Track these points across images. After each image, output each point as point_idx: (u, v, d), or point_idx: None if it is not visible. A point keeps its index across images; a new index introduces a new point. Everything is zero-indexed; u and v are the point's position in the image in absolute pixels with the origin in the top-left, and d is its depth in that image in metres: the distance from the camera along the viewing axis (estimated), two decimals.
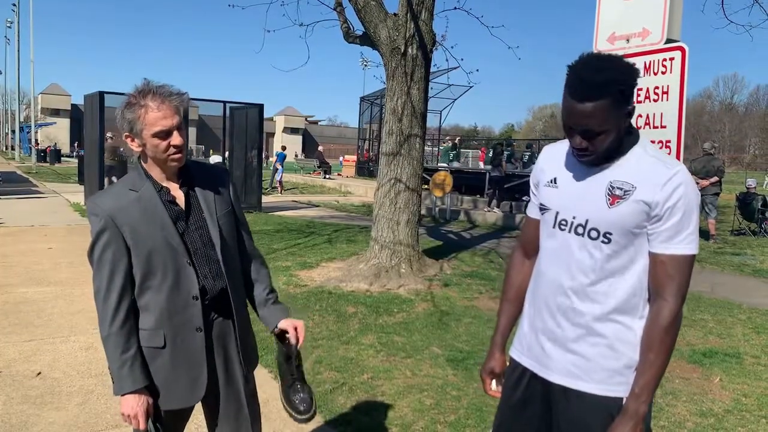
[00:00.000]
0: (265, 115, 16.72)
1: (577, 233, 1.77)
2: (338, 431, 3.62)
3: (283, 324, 2.22)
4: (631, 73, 1.64)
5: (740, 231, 13.33)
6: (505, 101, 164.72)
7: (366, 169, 28.93)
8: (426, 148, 22.23)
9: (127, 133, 1.97)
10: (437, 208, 15.56)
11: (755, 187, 13.78)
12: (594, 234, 1.74)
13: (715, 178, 12.08)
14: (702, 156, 12.57)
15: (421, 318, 6.00)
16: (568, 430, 1.81)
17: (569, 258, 1.78)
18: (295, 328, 2.23)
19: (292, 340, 2.21)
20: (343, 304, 6.39)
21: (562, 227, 1.80)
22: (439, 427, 3.69)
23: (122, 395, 1.98)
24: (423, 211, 14.67)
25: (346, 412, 3.85)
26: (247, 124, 15.07)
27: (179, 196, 2.06)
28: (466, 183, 18.29)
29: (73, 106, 55.32)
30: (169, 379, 2.05)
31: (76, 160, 26.01)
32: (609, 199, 1.70)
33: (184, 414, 2.18)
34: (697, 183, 12.11)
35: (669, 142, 2.17)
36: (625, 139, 1.71)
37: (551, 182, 1.86)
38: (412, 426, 3.69)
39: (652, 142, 2.34)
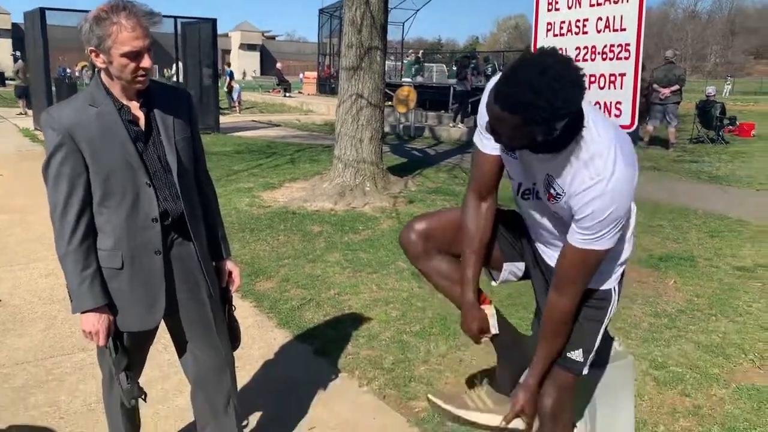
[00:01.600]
0: (220, 31, 16.03)
1: (539, 198, 1.81)
2: (306, 344, 3.68)
3: (225, 266, 2.30)
4: (559, 106, 1.47)
5: (699, 139, 13.57)
6: (469, 13, 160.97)
7: (327, 86, 28.25)
8: (389, 62, 21.74)
9: (92, 48, 1.85)
10: (401, 125, 15.40)
11: (714, 95, 13.93)
12: (551, 208, 1.80)
13: (676, 87, 12.14)
14: (664, 64, 12.57)
15: (386, 235, 6.04)
16: None
17: (542, 217, 1.86)
18: (230, 273, 2.31)
19: (231, 285, 2.32)
20: (308, 224, 6.37)
21: (526, 196, 1.84)
22: (405, 336, 3.78)
23: (82, 313, 1.96)
24: (386, 128, 14.49)
25: (314, 327, 3.91)
26: (200, 41, 14.45)
27: (139, 116, 1.98)
28: (431, 98, 18.04)
29: (14, 25, 51.97)
30: (127, 301, 2.02)
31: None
32: (547, 194, 1.74)
33: (146, 336, 2.17)
34: (659, 92, 12.17)
35: (628, 45, 2.13)
36: (565, 141, 1.62)
37: (511, 151, 1.81)
38: (379, 336, 3.77)
39: (612, 50, 2.28)
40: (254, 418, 2.90)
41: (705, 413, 2.98)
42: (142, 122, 1.98)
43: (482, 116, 1.82)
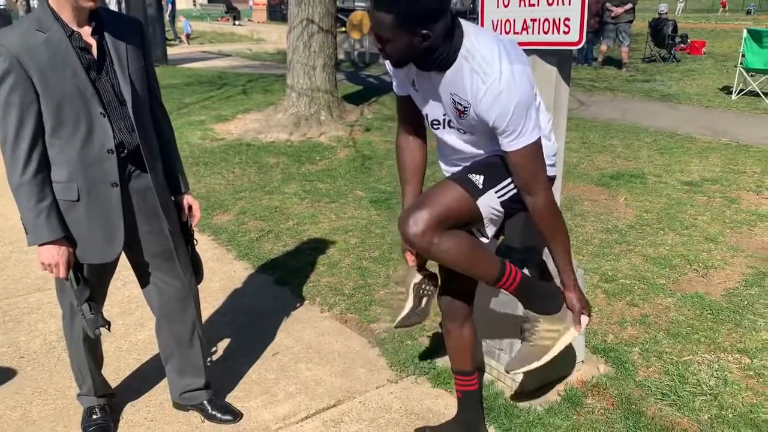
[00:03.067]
0: None
1: (450, 127, 1.90)
2: (267, 275, 3.70)
3: (184, 200, 2.27)
4: (420, 3, 1.59)
5: (651, 58, 13.67)
6: None
7: (279, 12, 27.26)
8: None
9: None
10: (356, 52, 15.05)
11: (666, 13, 13.95)
12: (462, 130, 1.88)
13: (629, 5, 12.11)
14: None
15: (343, 164, 6.01)
16: None
17: (453, 146, 1.94)
18: (190, 207, 2.29)
19: (191, 220, 2.31)
20: (263, 156, 6.29)
21: (436, 126, 1.93)
22: (365, 262, 3.83)
23: (40, 245, 1.93)
24: (341, 56, 14.16)
25: (274, 258, 3.92)
26: None
27: (91, 44, 1.89)
28: None
29: None
30: (85, 234, 2.00)
31: None
32: (456, 112, 1.81)
33: (107, 269, 2.15)
34: (611, 11, 12.13)
35: None
36: (448, 48, 1.71)
37: (413, 85, 1.91)
38: (339, 264, 3.82)
39: None
40: (219, 348, 2.94)
41: (651, 321, 3.14)
42: (94, 50, 1.91)
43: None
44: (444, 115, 1.87)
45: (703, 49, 15.01)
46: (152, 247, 2.15)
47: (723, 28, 23.79)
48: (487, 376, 2.64)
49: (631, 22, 12.37)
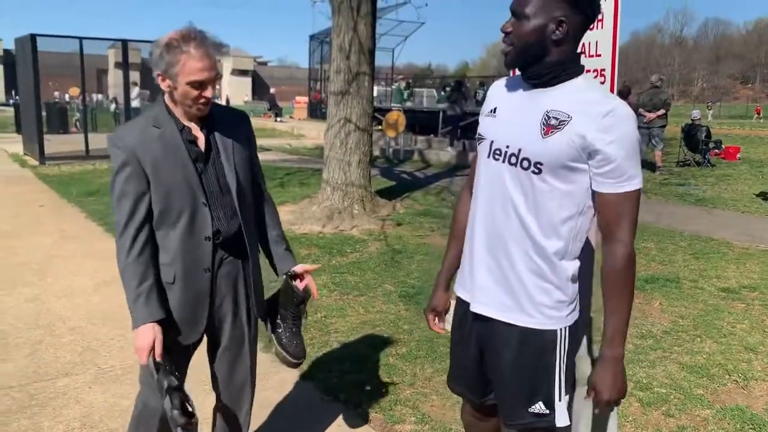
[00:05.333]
0: None
1: (510, 163, 1.67)
2: (292, 368, 3.66)
3: (299, 268, 2.29)
4: None
5: (685, 162, 13.73)
6: (459, 38, 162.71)
7: (318, 110, 28.44)
8: (379, 88, 21.93)
9: (160, 73, 1.94)
10: (391, 149, 15.51)
11: (700, 119, 14.13)
12: (525, 164, 1.64)
13: (661, 111, 12.31)
14: (649, 89, 12.75)
15: (374, 257, 6.06)
16: (495, 359, 1.81)
17: (502, 190, 1.70)
18: (307, 273, 2.32)
19: (311, 287, 2.31)
20: (296, 246, 6.38)
21: (497, 157, 1.71)
22: (392, 359, 3.78)
23: (135, 328, 1.95)
24: (376, 152, 14.59)
25: None
26: None
27: (200, 137, 2.04)
28: (420, 123, 18.19)
29: (6, 51, 52.14)
30: (173, 315, 2.06)
31: (13, 109, 24.73)
32: (543, 129, 1.60)
33: (190, 348, 2.19)
34: (644, 116, 12.34)
35: (603, 70, 2.18)
36: (567, 67, 1.62)
37: (491, 112, 1.77)
38: (366, 360, 3.77)
39: (588, 71, 2.33)
40: None
41: None
42: (202, 143, 2.05)
43: (482, 109, 1.84)
44: (508, 146, 1.69)
45: (738, 155, 15.05)
46: (226, 331, 2.20)
47: (758, 134, 23.91)
48: None
49: (664, 126, 12.54)
